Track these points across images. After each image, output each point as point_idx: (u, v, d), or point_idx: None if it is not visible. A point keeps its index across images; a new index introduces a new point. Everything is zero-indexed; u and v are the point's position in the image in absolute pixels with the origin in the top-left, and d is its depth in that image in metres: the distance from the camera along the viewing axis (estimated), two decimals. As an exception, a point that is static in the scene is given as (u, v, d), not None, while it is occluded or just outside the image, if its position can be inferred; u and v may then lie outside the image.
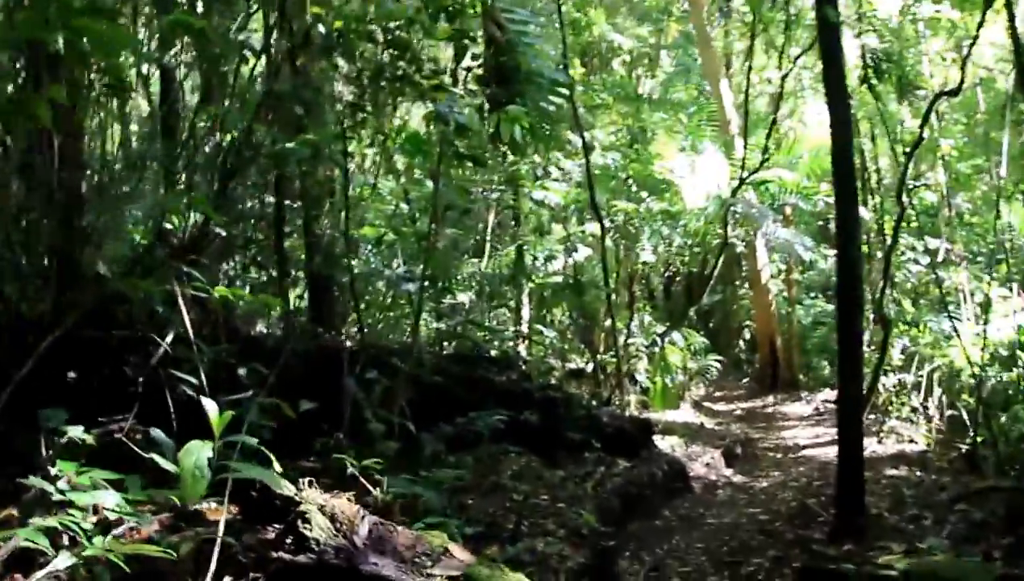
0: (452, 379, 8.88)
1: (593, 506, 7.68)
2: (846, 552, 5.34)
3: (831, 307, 18.45)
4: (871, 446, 10.10)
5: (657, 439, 11.31)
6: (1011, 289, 10.74)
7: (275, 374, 5.98)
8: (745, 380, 19.16)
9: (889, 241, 10.36)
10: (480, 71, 6.83)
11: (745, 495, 9.84)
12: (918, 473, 9.16)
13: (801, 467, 11.13)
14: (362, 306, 11.41)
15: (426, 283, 11.64)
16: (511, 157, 11.04)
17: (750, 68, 15.02)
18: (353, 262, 10.89)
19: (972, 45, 9.07)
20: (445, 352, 10.85)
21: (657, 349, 14.66)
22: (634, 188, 16.14)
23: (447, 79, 6.55)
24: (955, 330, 10.78)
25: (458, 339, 11.80)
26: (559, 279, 15.00)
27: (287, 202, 7.78)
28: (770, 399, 17.05)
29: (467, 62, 6.92)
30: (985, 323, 10.12)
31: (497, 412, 7.72)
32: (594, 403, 11.54)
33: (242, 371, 5.77)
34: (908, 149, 9.87)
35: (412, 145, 9.54)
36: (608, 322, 13.96)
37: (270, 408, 5.18)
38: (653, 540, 7.83)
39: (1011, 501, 6.50)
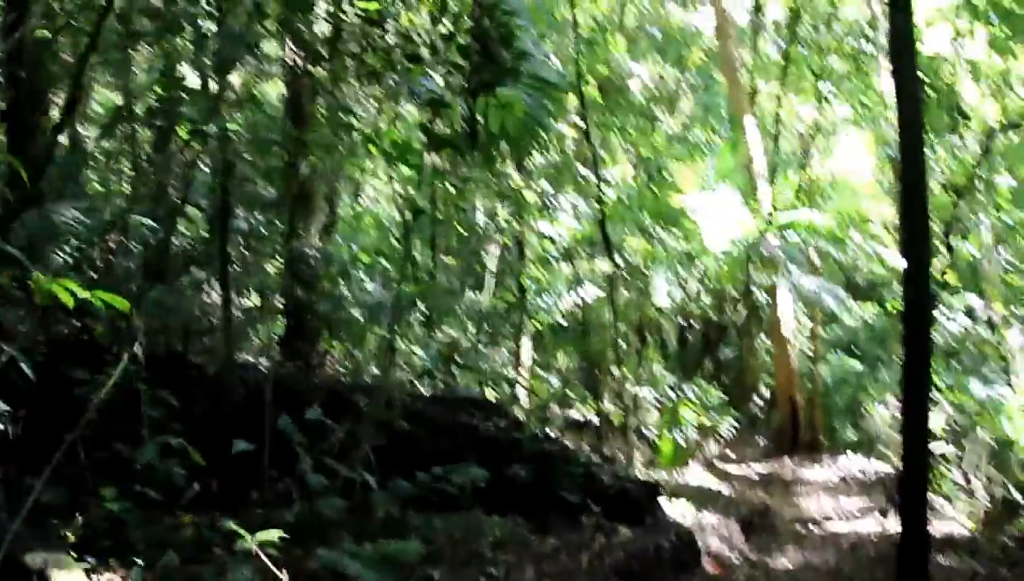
0: (429, 425, 7.82)
1: (587, 587, 6.53)
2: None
3: (857, 365, 17.28)
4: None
5: (664, 503, 10.09)
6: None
7: (202, 408, 4.87)
8: (762, 440, 17.83)
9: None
10: (462, 40, 5.76)
11: (765, 576, 8.59)
12: (972, 564, 7.87)
13: (828, 544, 9.88)
14: (339, 336, 10.36)
15: (410, 313, 10.61)
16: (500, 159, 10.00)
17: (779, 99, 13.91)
18: (339, 286, 9.95)
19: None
20: (425, 394, 9.66)
21: (668, 403, 13.42)
22: (649, 227, 15.04)
23: (424, 51, 5.49)
24: (1004, 397, 9.59)
25: (442, 380, 10.64)
26: (564, 320, 13.80)
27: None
28: (789, 462, 15.74)
29: (447, 27, 5.84)
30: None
31: (472, 465, 6.52)
32: (595, 459, 10.31)
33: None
34: (959, 188, 8.74)
35: (398, 151, 8.50)
36: (616, 370, 12.79)
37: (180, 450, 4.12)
38: (656, 634, 6.61)
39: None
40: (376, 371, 9.18)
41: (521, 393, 12.96)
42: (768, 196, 15.89)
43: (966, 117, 10.00)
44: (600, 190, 13.22)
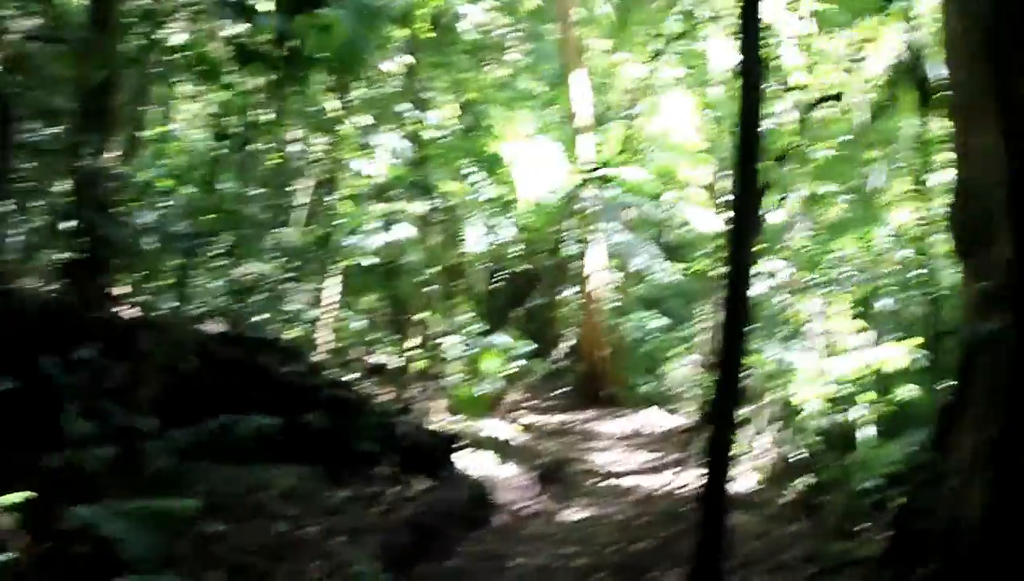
0: (221, 367, 7.28)
1: (377, 542, 6.26)
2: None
3: (663, 321, 17.80)
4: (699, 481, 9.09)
5: (464, 454, 9.98)
6: (862, 322, 10.04)
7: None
8: (564, 390, 18.10)
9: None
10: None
11: (560, 530, 8.61)
12: (753, 521, 8.15)
13: (622, 498, 10.05)
14: (131, 266, 9.54)
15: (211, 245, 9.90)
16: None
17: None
18: (134, 212, 9.15)
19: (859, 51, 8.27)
20: (220, 333, 9.03)
21: (474, 350, 13.30)
22: (467, 171, 14.77)
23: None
24: (797, 362, 9.99)
25: (240, 319, 10.00)
26: (374, 261, 13.33)
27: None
28: (589, 414, 16.07)
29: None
30: (832, 356, 9.33)
31: (262, 414, 6.08)
32: (394, 408, 10.04)
33: None
34: (776, 157, 8.95)
35: (208, 67, 7.79)
36: (423, 315, 12.52)
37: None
38: (442, 592, 6.44)
39: (876, 576, 5.47)
40: (168, 307, 8.47)
41: (324, 335, 12.46)
42: (590, 150, 15.96)
43: (789, 88, 10.33)
44: (421, 130, 12.85)
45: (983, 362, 5.18)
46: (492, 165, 14.83)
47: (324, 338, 12.39)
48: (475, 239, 15.63)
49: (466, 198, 14.73)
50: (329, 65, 5.90)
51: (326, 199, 13.12)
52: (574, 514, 9.28)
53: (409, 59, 13.11)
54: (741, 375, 4.99)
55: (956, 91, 6.34)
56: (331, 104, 12.08)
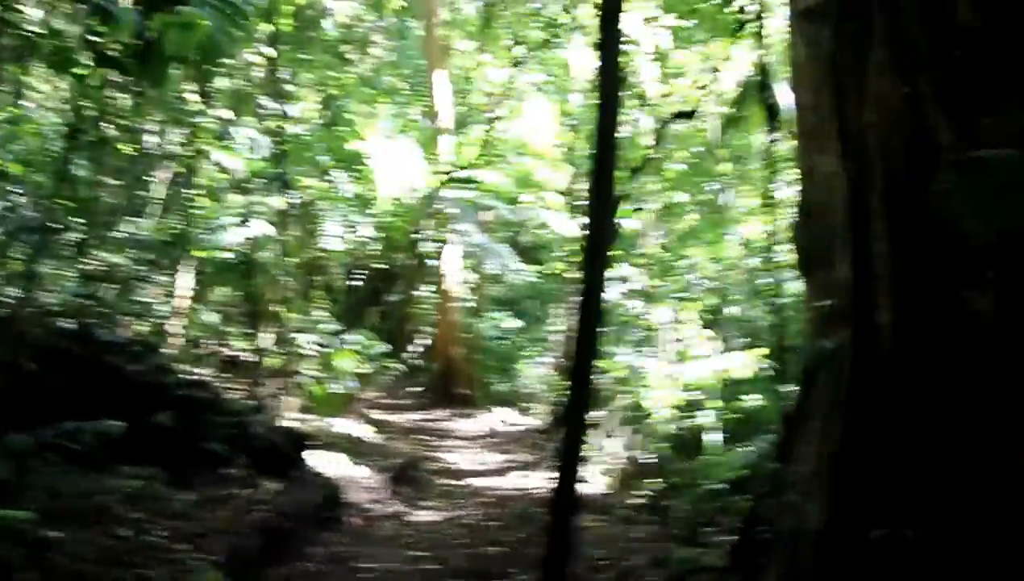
0: (66, 366, 6.85)
1: (225, 545, 6.02)
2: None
3: (518, 323, 17.94)
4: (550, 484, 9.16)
5: (317, 453, 9.75)
6: (711, 330, 10.40)
7: None
8: (419, 390, 17.99)
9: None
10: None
11: (412, 532, 8.51)
12: (603, 524, 8.28)
13: (475, 499, 10.03)
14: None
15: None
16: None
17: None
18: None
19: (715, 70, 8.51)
20: (67, 328, 8.47)
21: (329, 349, 13.00)
22: (326, 167, 14.44)
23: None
24: (647, 367, 10.25)
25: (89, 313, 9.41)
26: (230, 256, 12.85)
27: None
28: (443, 413, 16.06)
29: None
30: (682, 363, 9.61)
31: (108, 418, 5.76)
32: (246, 407, 9.69)
33: None
34: (633, 167, 9.13)
35: (60, 60, 7.30)
36: (278, 311, 12.15)
37: None
38: (290, 597, 6.25)
39: (719, 584, 5.61)
40: (13, 299, 7.89)
41: (176, 329, 11.92)
42: (449, 151, 15.91)
43: (645, 101, 10.56)
44: (282, 124, 12.48)
45: (824, 377, 5.38)
46: (352, 162, 14.56)
47: (176, 332, 11.87)
48: (333, 236, 15.32)
49: (325, 194, 14.38)
50: (187, 62, 5.59)
51: (183, 191, 12.56)
52: (426, 516, 9.20)
53: (271, 52, 12.68)
54: (593, 379, 4.99)
55: (800, 114, 6.60)
56: (190, 95, 11.57)
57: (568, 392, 4.91)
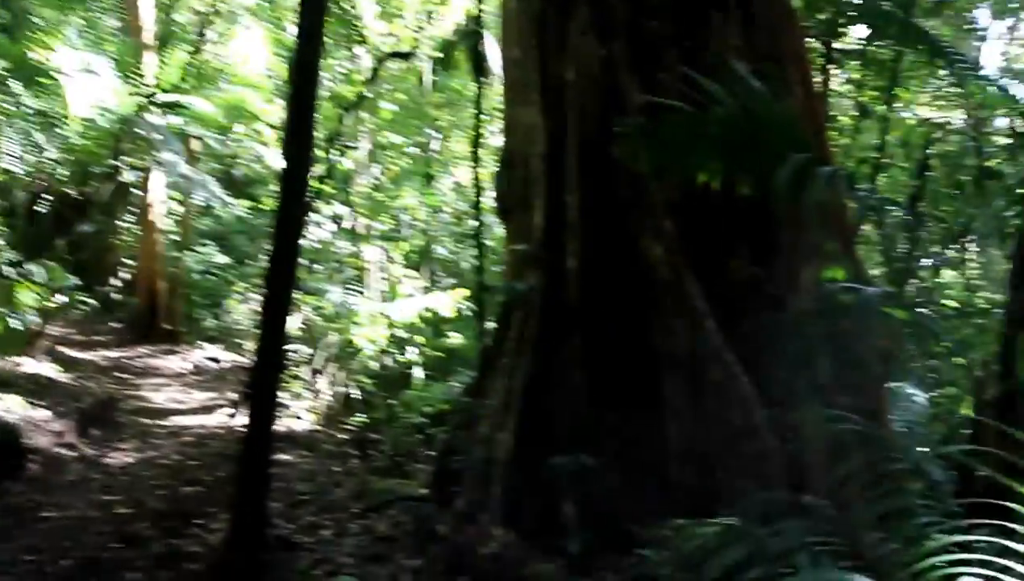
0: None
1: None
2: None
3: (223, 258, 17.23)
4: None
5: (-8, 397, 8.91)
6: (418, 271, 10.61)
7: None
8: (118, 326, 16.83)
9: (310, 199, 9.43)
10: None
11: (103, 476, 8.03)
12: (309, 460, 8.30)
13: (175, 439, 9.64)
14: None
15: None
16: None
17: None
18: None
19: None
20: None
21: (5, 280, 11.82)
22: (3, 77, 12.90)
23: None
24: (356, 305, 10.30)
25: None
26: None
27: None
28: (144, 350, 15.15)
29: None
30: (390, 301, 9.77)
31: None
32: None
33: None
34: (347, 105, 9.03)
35: None
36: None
37: None
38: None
39: (418, 512, 5.86)
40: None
41: None
42: (152, 72, 14.80)
43: (363, 39, 10.41)
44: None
45: (517, 316, 5.73)
46: (35, 74, 13.09)
47: None
48: (12, 156, 13.79)
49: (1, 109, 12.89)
50: None
51: None
52: (121, 458, 8.72)
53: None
54: (287, 314, 4.95)
55: (507, 66, 6.87)
56: None
57: (260, 330, 4.84)
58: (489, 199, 8.71)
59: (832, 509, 3.34)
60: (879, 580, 2.87)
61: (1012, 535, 2.71)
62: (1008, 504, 2.75)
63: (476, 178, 8.30)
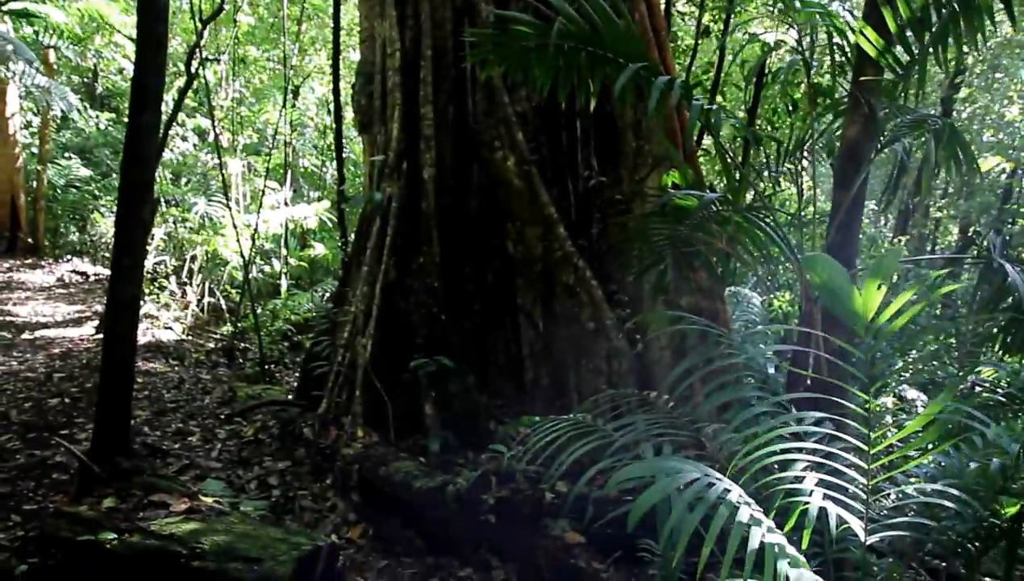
0: None
1: None
2: (107, 510, 3.67)
3: (86, 172, 15.85)
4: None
5: None
6: (283, 184, 9.96)
7: None
8: (-23, 241, 15.33)
9: (171, 112, 8.60)
10: None
11: (-37, 392, 7.29)
12: (176, 369, 7.76)
13: (41, 352, 8.86)
14: None
15: None
16: None
17: None
18: None
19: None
20: None
21: None
22: None
23: None
24: (223, 217, 9.62)
25: None
26: None
27: None
28: (6, 265, 13.88)
29: None
30: (257, 213, 9.15)
31: None
32: None
33: None
34: (205, 18, 8.20)
35: None
36: None
37: None
38: None
39: (284, 416, 5.54)
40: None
41: None
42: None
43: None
44: None
45: (377, 226, 5.38)
46: None
47: None
48: None
49: None
50: None
51: None
52: (-16, 373, 7.94)
53: None
54: (155, 228, 4.46)
55: (363, -20, 6.33)
56: None
57: (114, 242, 4.33)
58: (350, 113, 8.20)
59: (675, 403, 3.24)
60: (715, 466, 2.79)
61: (838, 427, 2.67)
62: (832, 398, 2.71)
63: (336, 92, 7.74)
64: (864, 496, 2.37)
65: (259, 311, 8.80)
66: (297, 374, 6.36)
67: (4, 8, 11.64)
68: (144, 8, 4.43)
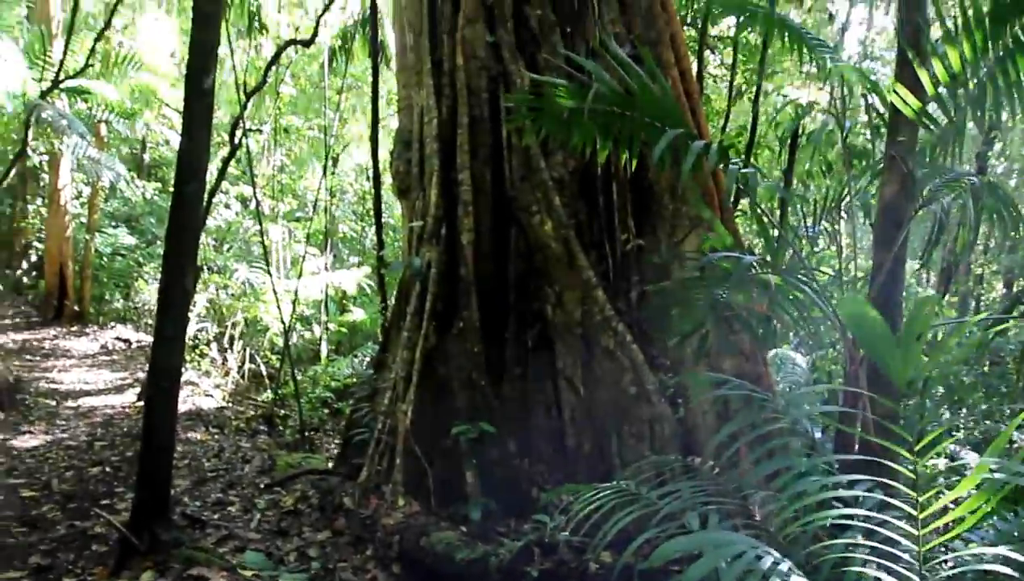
0: None
1: None
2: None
3: (131, 240, 16.28)
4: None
5: None
6: (323, 250, 10.14)
7: None
8: (26, 308, 15.75)
9: (214, 181, 8.84)
10: None
11: (8, 459, 7.42)
12: (217, 437, 7.83)
13: (83, 420, 9.00)
14: None
15: None
16: None
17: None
18: None
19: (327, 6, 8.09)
20: None
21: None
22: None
23: None
24: (263, 283, 9.78)
25: None
26: None
27: None
28: (53, 332, 14.20)
29: None
30: (297, 278, 9.31)
31: None
32: None
33: None
34: (249, 91, 8.49)
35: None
36: None
37: None
38: None
39: (324, 486, 5.54)
40: None
41: None
42: (59, 57, 13.77)
43: (264, 27, 9.84)
44: None
45: (416, 291, 5.44)
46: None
47: None
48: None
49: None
50: None
51: None
52: (28, 440, 8.08)
53: None
54: (186, 291, 4.51)
55: (400, 52, 6.56)
56: None
57: (158, 311, 4.41)
58: (388, 179, 8.36)
59: (720, 470, 3.20)
60: (766, 535, 2.74)
61: (888, 491, 2.61)
62: (881, 461, 2.66)
63: (375, 159, 7.92)
64: (916, 564, 2.30)
65: (299, 377, 8.89)
66: (337, 441, 6.38)
67: (61, 86, 12.13)
68: (191, 84, 4.60)
